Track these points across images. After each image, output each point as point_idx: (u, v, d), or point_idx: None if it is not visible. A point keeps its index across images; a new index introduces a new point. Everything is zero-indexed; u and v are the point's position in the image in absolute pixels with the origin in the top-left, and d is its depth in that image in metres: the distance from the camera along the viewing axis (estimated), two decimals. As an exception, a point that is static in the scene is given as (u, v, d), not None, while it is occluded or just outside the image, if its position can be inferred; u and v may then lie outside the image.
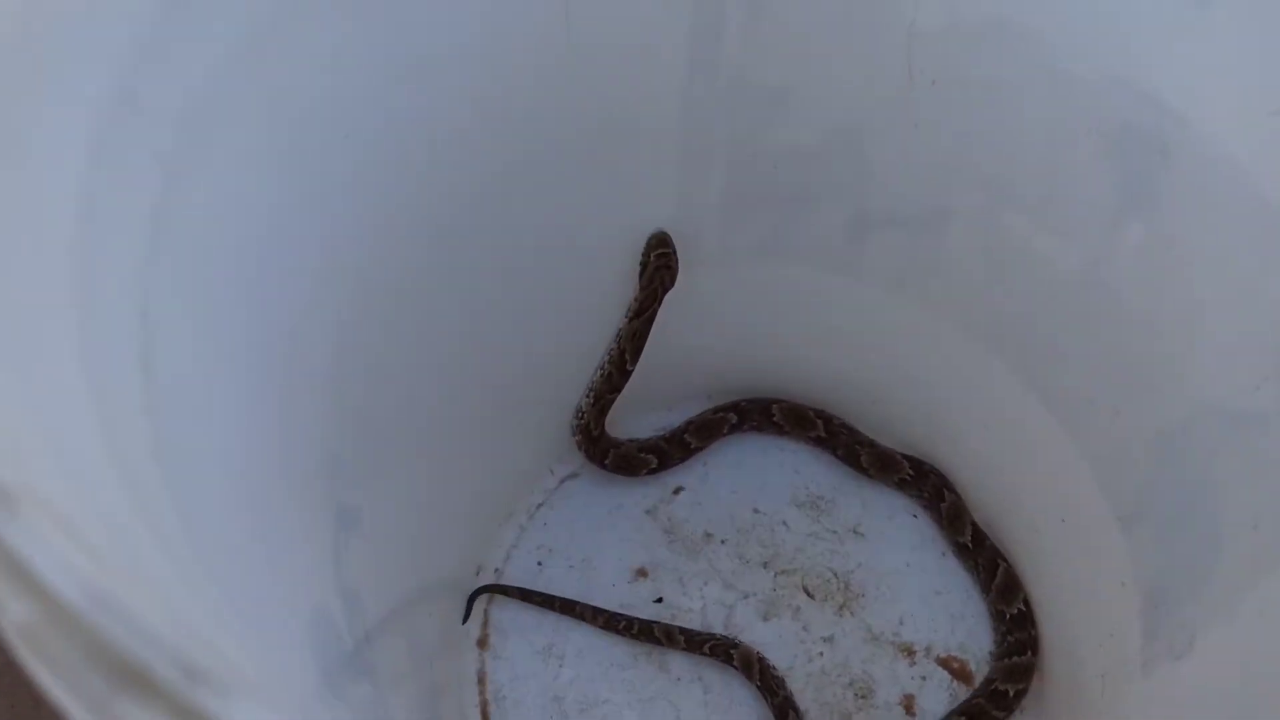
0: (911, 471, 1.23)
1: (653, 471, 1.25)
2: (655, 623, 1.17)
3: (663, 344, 1.22)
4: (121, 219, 0.56)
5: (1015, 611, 1.14)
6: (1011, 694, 1.08)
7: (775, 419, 1.28)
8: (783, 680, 1.14)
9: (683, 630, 1.17)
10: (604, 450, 1.23)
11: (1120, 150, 0.82)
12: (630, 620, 1.17)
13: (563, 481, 1.30)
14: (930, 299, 1.09)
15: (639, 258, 1.10)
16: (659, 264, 1.08)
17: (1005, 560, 1.17)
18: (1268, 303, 0.75)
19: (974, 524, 1.20)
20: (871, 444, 1.26)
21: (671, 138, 0.97)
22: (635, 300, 1.13)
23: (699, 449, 1.27)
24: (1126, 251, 0.87)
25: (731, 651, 1.15)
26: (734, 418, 1.28)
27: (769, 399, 1.29)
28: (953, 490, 1.22)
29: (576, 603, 1.18)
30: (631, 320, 1.13)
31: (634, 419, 1.33)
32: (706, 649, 1.15)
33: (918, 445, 1.29)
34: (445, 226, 0.95)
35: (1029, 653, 1.11)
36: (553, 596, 1.19)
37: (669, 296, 1.12)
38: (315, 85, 0.75)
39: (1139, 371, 0.90)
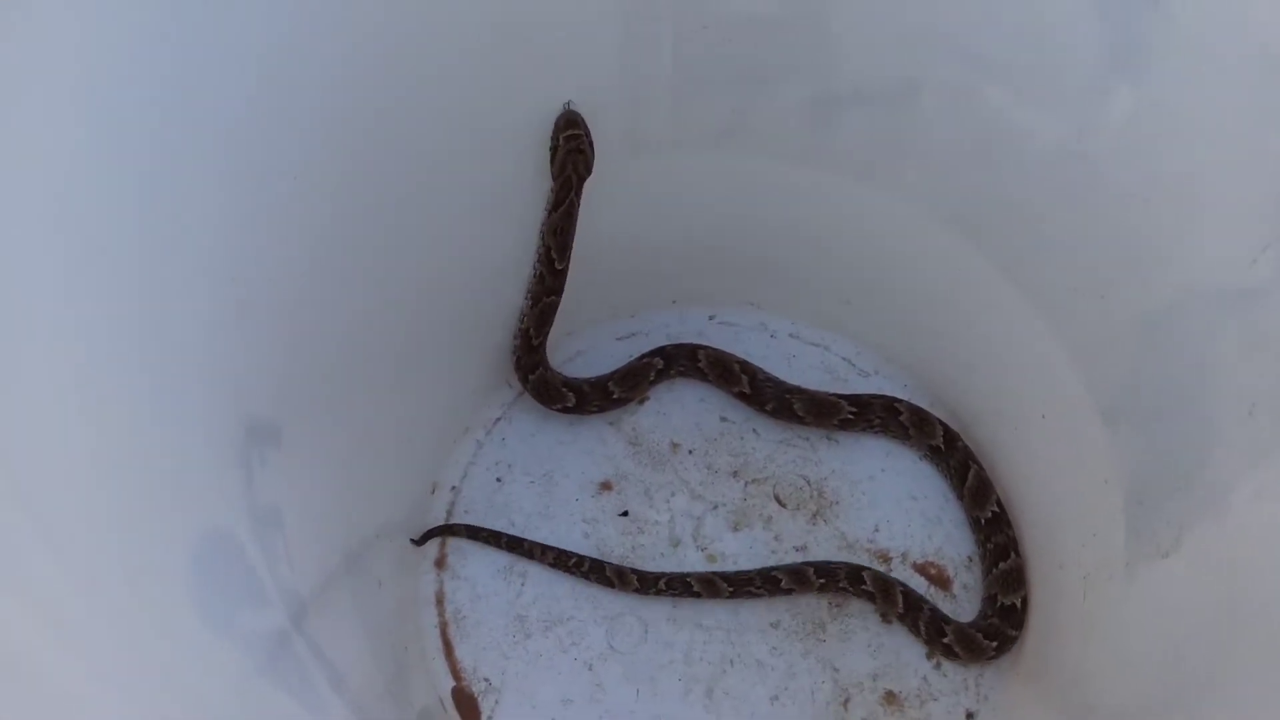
0: (853, 409, 1.16)
1: (566, 410, 1.17)
2: (606, 563, 1.11)
3: (618, 245, 1.15)
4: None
5: (989, 515, 1.10)
6: (1019, 605, 1.04)
7: (700, 365, 1.19)
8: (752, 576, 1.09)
9: (635, 571, 1.11)
10: (532, 366, 1.15)
11: (1106, 5, 0.73)
12: (581, 558, 1.11)
13: (521, 394, 1.23)
14: (902, 185, 1.01)
15: (547, 143, 0.99)
16: (569, 148, 0.97)
17: (977, 463, 1.12)
18: (1268, 161, 0.67)
19: (944, 426, 1.14)
20: (800, 390, 1.18)
21: (612, 10, 0.87)
22: (551, 191, 1.03)
23: (623, 400, 1.19)
24: (1114, 119, 0.79)
25: (691, 583, 1.09)
26: (660, 362, 1.19)
27: (694, 345, 1.20)
28: (905, 404, 1.16)
29: (524, 540, 1.13)
30: (550, 214, 1.04)
31: (597, 328, 1.27)
32: (662, 584, 1.09)
33: (896, 352, 1.22)
34: (370, 126, 0.86)
35: (1012, 554, 1.06)
36: (499, 534, 1.13)
37: (609, 190, 1.03)
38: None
39: (1126, 253, 0.83)
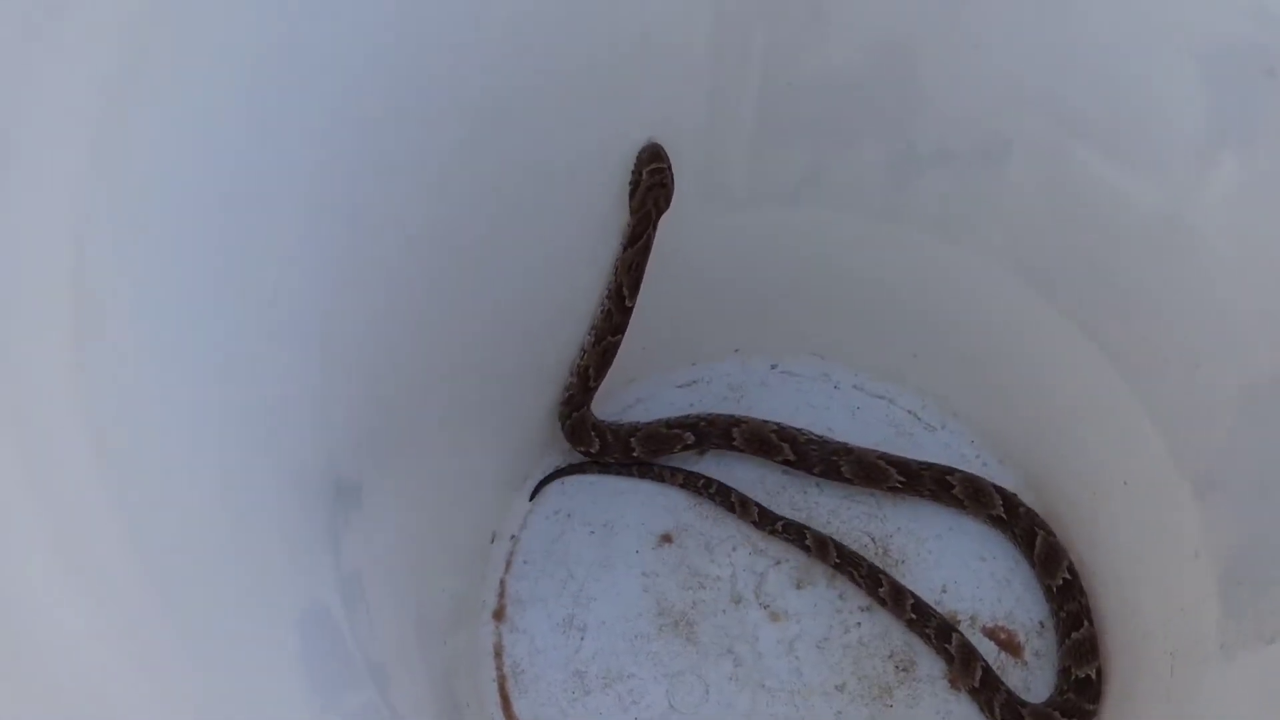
0: (902, 478, 1.12)
1: (589, 456, 1.15)
2: (732, 489, 1.13)
3: (682, 292, 1.13)
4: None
5: (1060, 582, 1.07)
6: (1094, 676, 1.00)
7: (736, 443, 1.15)
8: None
9: (758, 504, 1.12)
10: (578, 405, 1.13)
11: (1216, 71, 0.72)
12: (709, 480, 1.14)
13: (582, 443, 1.22)
14: (981, 242, 0.99)
15: (629, 176, 0.97)
16: (652, 181, 0.95)
17: (1044, 528, 1.09)
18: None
19: (1003, 494, 1.11)
20: (848, 450, 1.15)
21: (701, 58, 0.87)
22: (628, 226, 1.01)
23: (644, 462, 1.16)
24: (1216, 189, 0.77)
25: (806, 534, 1.09)
26: (690, 438, 1.15)
27: (728, 420, 1.16)
28: (959, 475, 1.12)
29: (652, 464, 1.15)
30: (626, 249, 1.02)
31: (657, 376, 1.25)
32: (779, 526, 1.11)
33: (963, 406, 1.20)
34: (447, 164, 0.85)
35: (1085, 622, 1.03)
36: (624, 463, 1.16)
37: (693, 234, 1.02)
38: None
39: (1223, 324, 0.81)
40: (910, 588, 1.09)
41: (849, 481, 1.14)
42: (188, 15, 0.59)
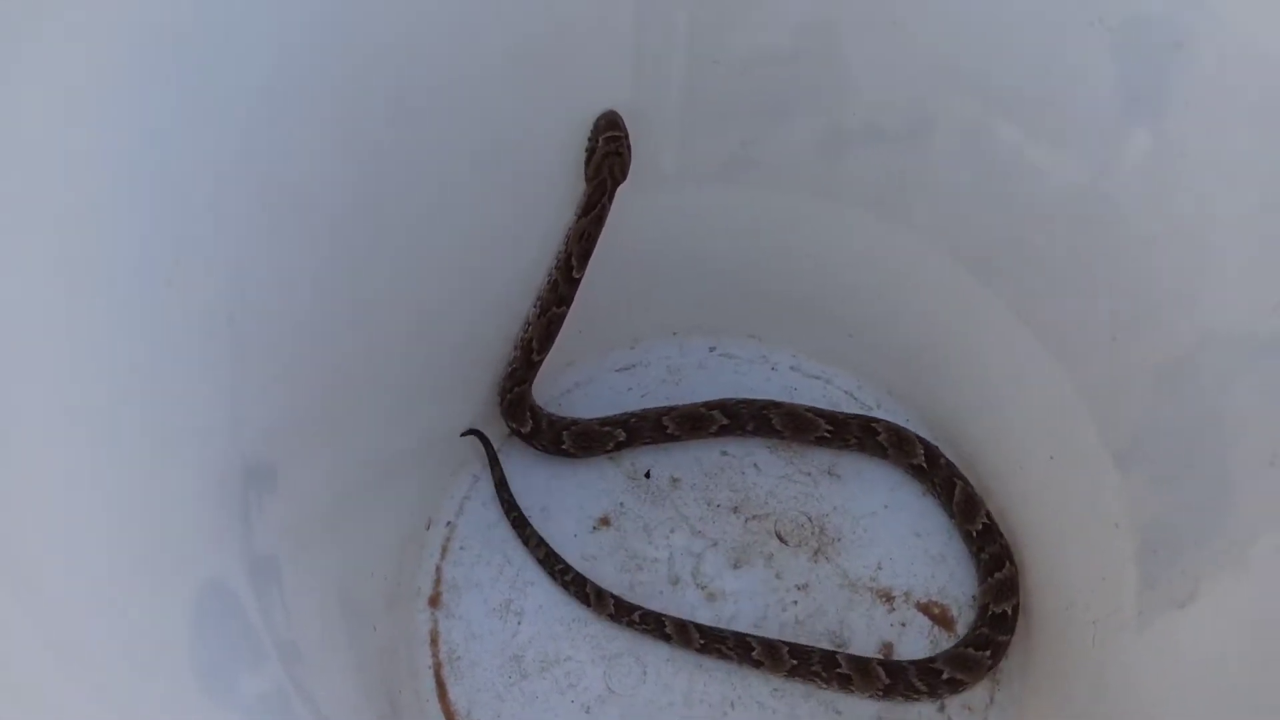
0: (830, 426, 1.14)
1: (519, 435, 1.14)
2: (588, 579, 1.09)
3: (620, 275, 1.13)
4: None
5: (980, 527, 1.09)
6: (1010, 612, 1.03)
7: (670, 431, 1.15)
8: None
9: (614, 596, 1.08)
10: (520, 380, 1.11)
11: (1128, 44, 0.73)
12: (567, 567, 1.10)
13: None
14: (913, 221, 1.00)
15: (585, 143, 0.96)
16: (607, 149, 0.94)
17: (962, 478, 1.12)
18: (1294, 212, 0.66)
19: (925, 444, 1.14)
20: (777, 405, 1.16)
21: (624, 33, 0.86)
22: (584, 195, 1.00)
23: (574, 455, 1.15)
24: (1132, 162, 0.78)
25: (665, 622, 1.06)
26: (621, 434, 1.15)
27: (659, 411, 1.16)
28: (883, 424, 1.15)
29: (529, 525, 1.12)
30: (579, 218, 1.01)
31: (596, 357, 1.25)
32: (635, 617, 1.07)
33: (899, 386, 1.21)
34: (374, 142, 0.84)
35: (1007, 563, 1.06)
36: (514, 504, 1.13)
37: (627, 214, 1.01)
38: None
39: (1143, 296, 0.82)
40: (801, 649, 1.07)
41: (780, 434, 1.15)
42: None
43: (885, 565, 1.14)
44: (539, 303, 1.08)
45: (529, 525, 1.13)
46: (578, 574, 1.09)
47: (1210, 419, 0.76)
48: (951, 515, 1.12)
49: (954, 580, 1.12)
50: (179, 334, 0.62)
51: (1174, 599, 0.76)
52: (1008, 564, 1.07)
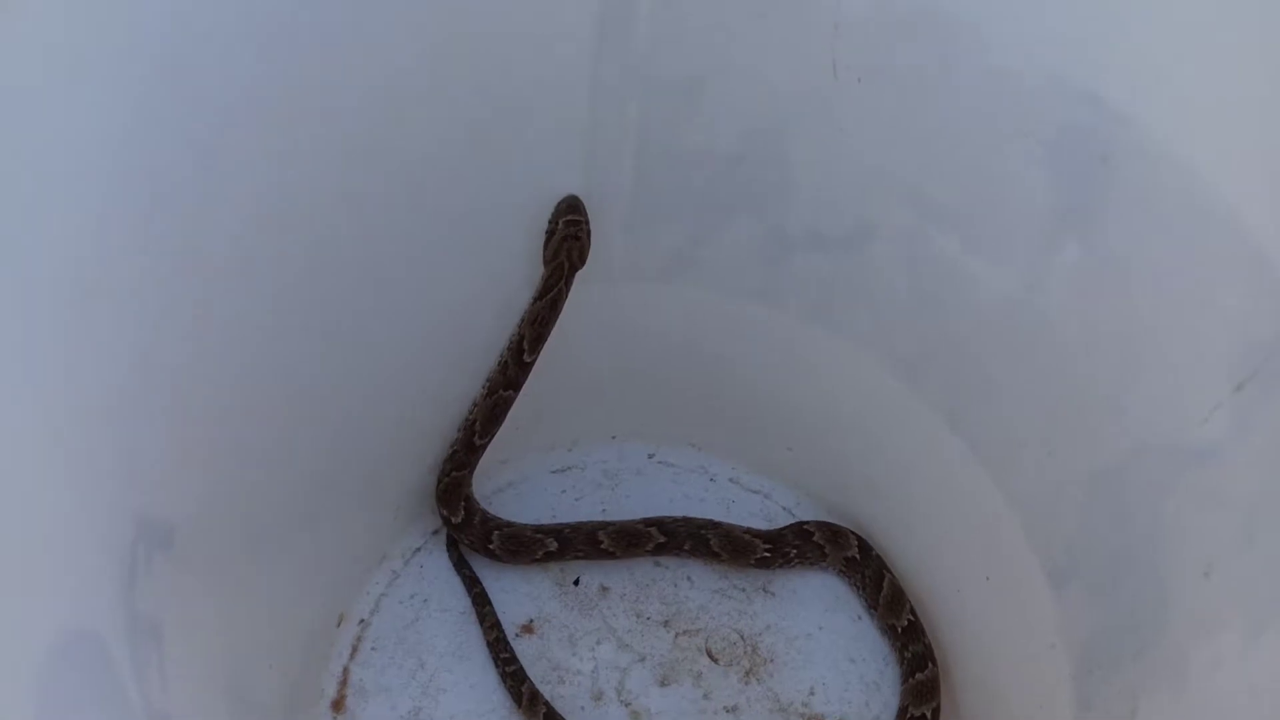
0: (768, 547, 1.11)
1: (448, 524, 1.09)
2: (527, 679, 1.04)
3: (559, 373, 1.11)
4: None
5: (905, 624, 1.06)
6: (929, 716, 1.00)
7: (604, 546, 1.10)
8: None
9: (547, 706, 1.03)
10: (459, 465, 1.07)
11: (1056, 156, 0.75)
12: (513, 657, 1.05)
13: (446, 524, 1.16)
14: (851, 328, 1.00)
15: (545, 225, 0.95)
16: (566, 233, 0.93)
17: (890, 572, 1.10)
18: (1219, 319, 0.67)
19: (859, 539, 1.12)
20: (715, 525, 1.13)
21: (576, 129, 0.88)
22: (541, 278, 0.98)
23: (499, 558, 1.11)
24: (1062, 272, 0.79)
25: None
26: (553, 544, 1.10)
27: (594, 526, 1.12)
28: (814, 524, 1.13)
29: (489, 603, 1.08)
30: (534, 301, 0.99)
31: (534, 457, 1.21)
32: None
33: (838, 502, 1.19)
34: (325, 208, 0.83)
35: (930, 664, 1.03)
36: (476, 579, 1.09)
37: (572, 309, 1.00)
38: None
39: (1074, 407, 0.82)
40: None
41: (718, 556, 1.11)
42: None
43: (818, 690, 1.09)
44: (487, 384, 1.06)
45: (489, 604, 1.08)
46: (520, 669, 1.04)
47: (1145, 531, 0.75)
48: (874, 607, 1.10)
49: (888, 710, 1.07)
50: (88, 364, 0.59)
51: (1111, 718, 0.73)
52: (930, 665, 1.03)
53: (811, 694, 1.09)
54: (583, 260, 0.96)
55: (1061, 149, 0.75)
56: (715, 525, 1.13)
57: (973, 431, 0.94)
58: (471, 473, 1.09)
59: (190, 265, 0.71)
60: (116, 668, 0.56)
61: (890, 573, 1.10)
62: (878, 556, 1.11)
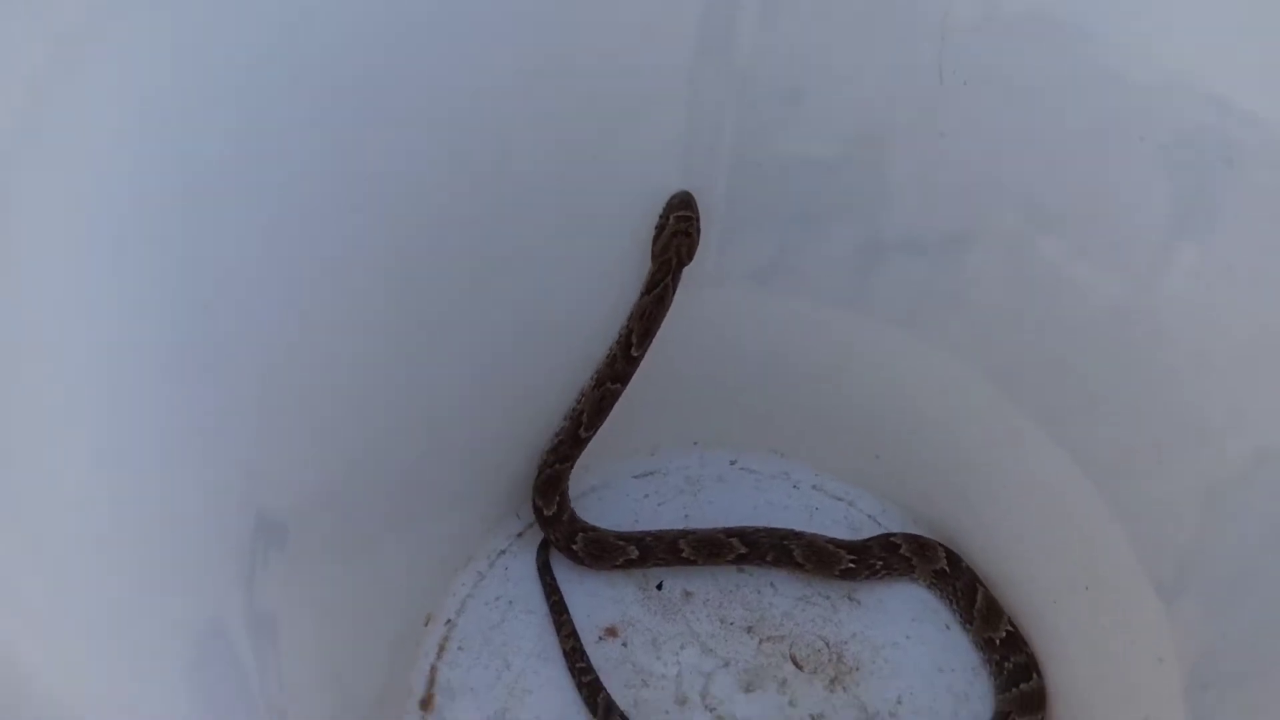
0: (853, 557, 1.10)
1: (540, 516, 1.10)
2: (603, 691, 1.03)
3: (644, 378, 1.11)
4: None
5: (1004, 635, 1.04)
6: None
7: (685, 555, 1.10)
8: None
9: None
10: (563, 457, 1.09)
11: (1176, 161, 0.73)
12: (589, 667, 1.04)
13: (530, 526, 1.17)
14: (946, 337, 0.99)
15: (650, 226, 0.95)
16: (676, 229, 0.92)
17: (984, 585, 1.08)
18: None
19: (947, 550, 1.11)
20: (798, 535, 1.12)
21: (674, 133, 0.88)
22: (650, 272, 0.98)
23: (582, 562, 1.11)
24: (1178, 278, 0.77)
25: None
26: (634, 552, 1.10)
27: (675, 534, 1.12)
28: (901, 535, 1.12)
29: (567, 612, 1.08)
30: (642, 296, 0.99)
31: (615, 461, 1.21)
32: None
33: (925, 512, 1.17)
34: (435, 216, 0.84)
35: (1034, 675, 1.01)
36: (556, 587, 1.10)
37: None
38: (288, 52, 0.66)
39: (1189, 417, 0.80)
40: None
41: (801, 566, 1.10)
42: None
43: (906, 700, 1.08)
44: (595, 377, 1.06)
45: (566, 612, 1.08)
46: (596, 679, 1.04)
47: (1263, 545, 0.73)
48: (969, 623, 1.08)
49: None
50: (211, 384, 0.60)
51: (1230, 739, 0.71)
52: (1035, 675, 1.01)
53: (899, 703, 1.07)
54: (690, 256, 0.96)
55: (1181, 152, 0.73)
56: (798, 535, 1.13)
57: (1075, 442, 0.92)
58: (572, 466, 1.10)
59: (300, 279, 0.72)
60: (243, 663, 0.57)
61: (983, 585, 1.08)
62: (969, 568, 1.10)
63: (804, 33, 0.82)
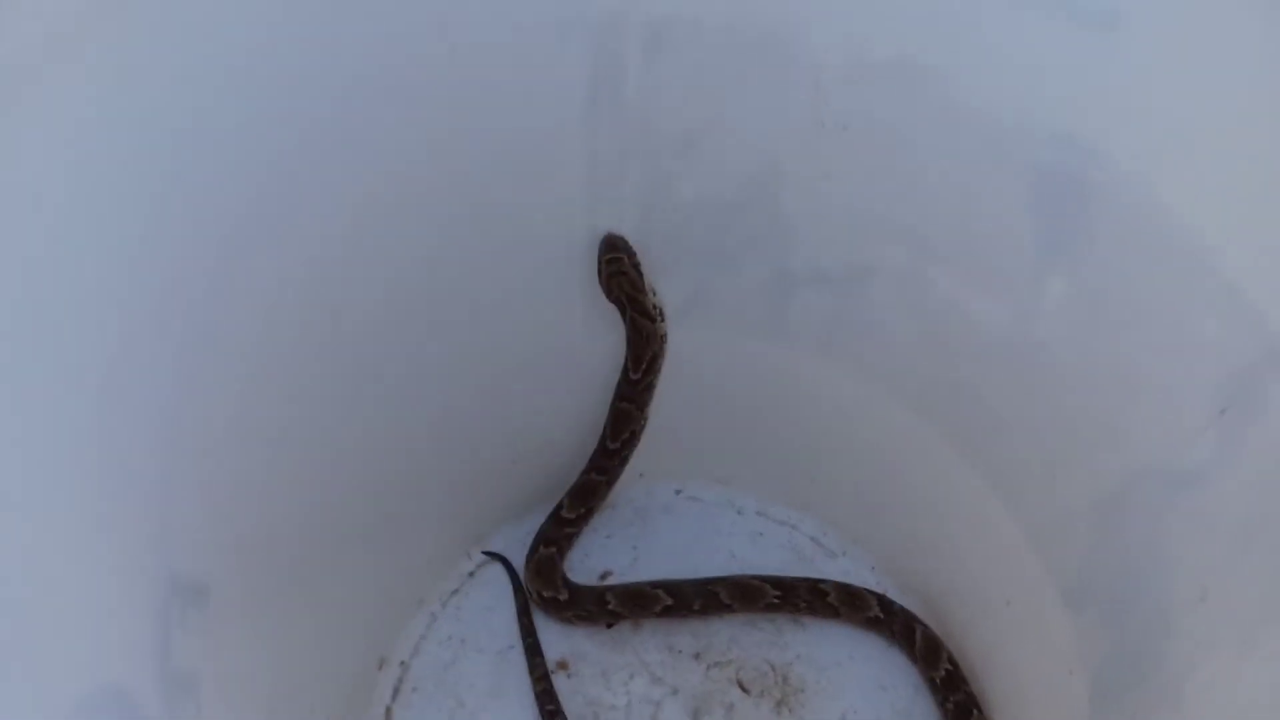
0: (778, 593, 1.13)
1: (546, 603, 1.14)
2: None
3: (585, 419, 1.15)
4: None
5: (943, 674, 1.06)
6: None
7: (611, 607, 1.13)
8: None
9: None
10: (600, 469, 1.14)
11: (1038, 195, 0.77)
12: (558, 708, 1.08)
13: (481, 566, 1.21)
14: (860, 364, 1.03)
15: (583, 268, 1.01)
16: (611, 270, 0.98)
17: (920, 623, 1.09)
18: (1199, 346, 0.68)
19: (879, 597, 1.12)
20: (723, 580, 1.15)
21: (578, 186, 0.92)
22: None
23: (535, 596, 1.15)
24: (1052, 306, 0.81)
25: None
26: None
27: (601, 589, 1.15)
28: (831, 584, 1.14)
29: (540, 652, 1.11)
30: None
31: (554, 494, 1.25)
32: None
33: (862, 532, 1.20)
34: (344, 282, 0.88)
35: (975, 711, 1.03)
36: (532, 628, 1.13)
37: (577, 364, 1.06)
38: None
39: (1075, 434, 0.83)
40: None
41: (729, 608, 1.13)
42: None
43: (850, 717, 1.10)
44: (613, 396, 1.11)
45: (540, 654, 1.11)
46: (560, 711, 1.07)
47: (1145, 555, 0.76)
48: (913, 660, 1.10)
49: (920, 734, 1.09)
50: (119, 437, 0.64)
51: (1121, 745, 0.74)
52: (976, 712, 1.03)
53: (843, 722, 1.10)
54: (637, 287, 1.00)
55: (1042, 188, 0.77)
56: (723, 580, 1.15)
57: (984, 462, 0.96)
58: (609, 479, 1.16)
59: (217, 337, 0.76)
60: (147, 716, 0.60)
61: (921, 624, 1.09)
62: (902, 610, 1.11)
63: (689, 83, 0.86)
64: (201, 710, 0.68)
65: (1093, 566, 0.83)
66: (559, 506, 1.14)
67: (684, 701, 1.12)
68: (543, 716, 1.09)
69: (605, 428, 1.13)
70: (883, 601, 1.12)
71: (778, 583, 1.14)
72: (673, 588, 1.15)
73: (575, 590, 1.14)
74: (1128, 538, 0.78)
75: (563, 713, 1.08)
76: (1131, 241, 0.73)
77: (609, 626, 1.16)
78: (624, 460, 1.15)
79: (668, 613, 1.14)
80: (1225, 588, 0.67)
